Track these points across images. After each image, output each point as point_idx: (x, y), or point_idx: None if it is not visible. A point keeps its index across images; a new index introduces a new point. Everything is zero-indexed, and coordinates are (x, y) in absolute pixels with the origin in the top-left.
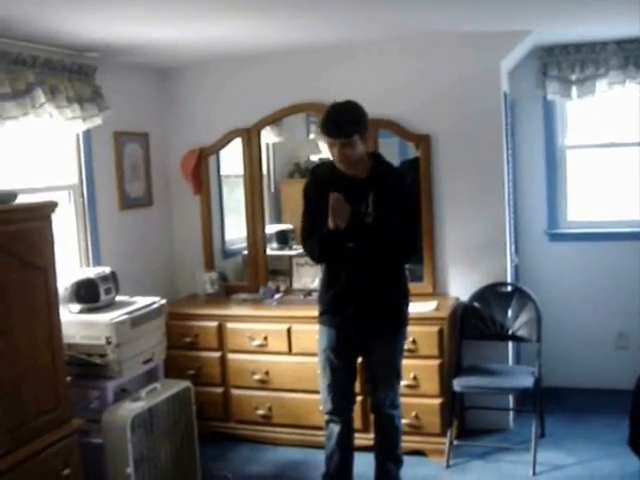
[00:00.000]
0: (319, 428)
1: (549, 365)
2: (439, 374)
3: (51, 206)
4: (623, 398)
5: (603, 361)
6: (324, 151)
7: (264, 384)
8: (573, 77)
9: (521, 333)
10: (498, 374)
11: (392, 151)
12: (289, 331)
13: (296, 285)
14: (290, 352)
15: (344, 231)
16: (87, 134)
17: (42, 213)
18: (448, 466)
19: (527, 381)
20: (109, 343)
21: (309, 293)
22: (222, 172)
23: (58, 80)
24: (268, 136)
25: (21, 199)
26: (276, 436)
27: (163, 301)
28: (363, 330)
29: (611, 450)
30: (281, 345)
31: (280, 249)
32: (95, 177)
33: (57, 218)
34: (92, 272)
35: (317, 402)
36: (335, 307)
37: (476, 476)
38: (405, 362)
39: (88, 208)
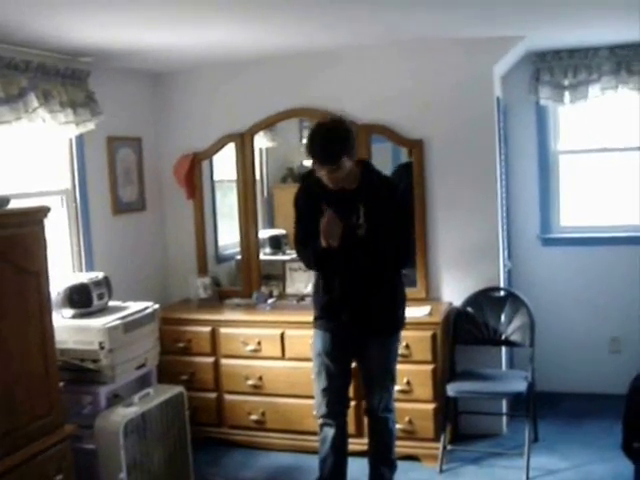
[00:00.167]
0: (312, 433)
1: (542, 370)
2: (432, 379)
3: (44, 211)
4: (616, 403)
5: (596, 366)
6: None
7: (257, 389)
8: (566, 82)
9: (514, 338)
10: (491, 379)
11: (385, 156)
12: (282, 336)
13: (289, 290)
14: (283, 357)
15: (337, 247)
16: (80, 139)
17: (35, 218)
18: (441, 471)
19: (520, 386)
20: (102, 348)
21: (302, 298)
22: (215, 177)
23: (51, 85)
24: (261, 141)
25: (14, 204)
26: (269, 441)
27: (156, 306)
28: (358, 334)
29: (604, 455)
30: (274, 350)
31: (273, 254)
32: (88, 182)
33: (50, 223)
34: (85, 277)
35: (310, 407)
36: (330, 313)
37: None
38: (398, 367)
39: (81, 213)
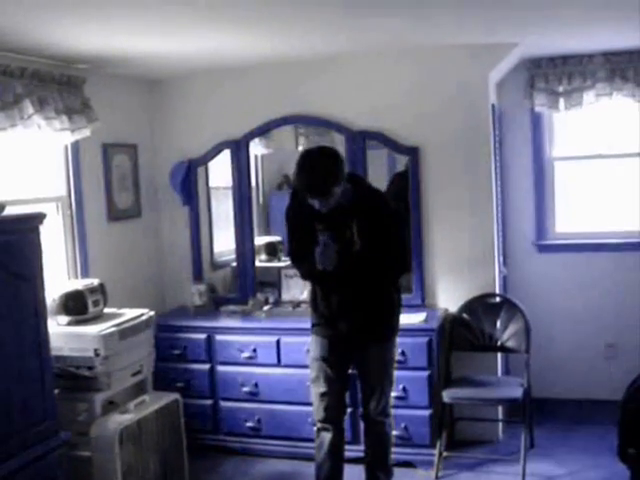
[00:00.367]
0: (309, 440)
1: (538, 376)
2: (428, 385)
3: (39, 217)
4: (612, 409)
5: (592, 372)
6: None
7: (253, 396)
8: (560, 89)
9: (510, 344)
10: (487, 385)
11: (381, 162)
12: (278, 343)
13: (285, 297)
14: (279, 364)
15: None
16: (75, 145)
17: (30, 224)
18: (437, 477)
19: (516, 392)
20: (97, 355)
21: (298, 305)
22: (211, 184)
23: (47, 91)
24: (257, 148)
25: (9, 210)
26: (265, 448)
27: (152, 313)
28: (355, 340)
29: (600, 461)
30: (270, 357)
31: (269, 261)
32: (83, 188)
33: (45, 229)
34: (80, 284)
35: (307, 414)
36: (327, 322)
37: None
38: (395, 373)
39: (76, 219)
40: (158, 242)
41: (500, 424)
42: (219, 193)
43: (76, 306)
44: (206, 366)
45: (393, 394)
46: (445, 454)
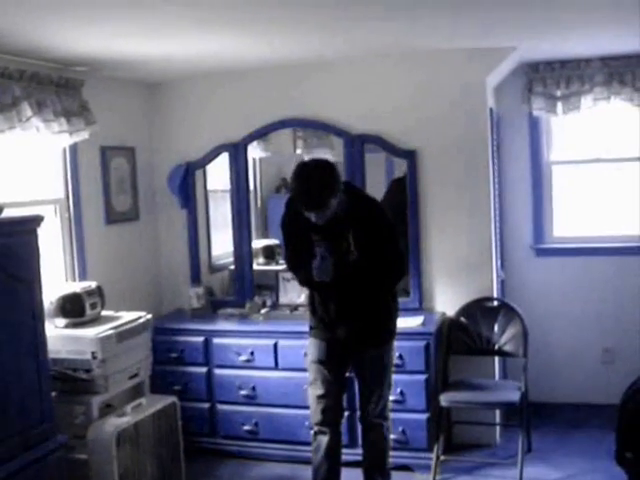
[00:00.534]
0: (306, 444)
1: (535, 380)
2: (426, 389)
3: (37, 220)
4: (609, 413)
5: (589, 376)
6: None
7: (251, 399)
8: (558, 93)
9: (507, 348)
10: (484, 389)
11: (379, 166)
12: (276, 346)
13: (283, 300)
14: (277, 367)
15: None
16: (73, 148)
17: (28, 227)
18: None
19: (513, 396)
20: (95, 358)
21: (296, 308)
22: (209, 187)
23: (45, 94)
24: (255, 151)
25: (7, 213)
26: (263, 452)
27: (149, 316)
28: (353, 344)
29: (597, 464)
30: (268, 360)
31: (266, 264)
32: (81, 191)
33: (43, 232)
34: (78, 286)
35: (304, 417)
36: (325, 327)
37: None
38: (392, 377)
39: (74, 222)
40: (156, 245)
41: (497, 428)
42: (217, 196)
43: (74, 309)
44: (203, 369)
45: (391, 397)
46: (442, 458)
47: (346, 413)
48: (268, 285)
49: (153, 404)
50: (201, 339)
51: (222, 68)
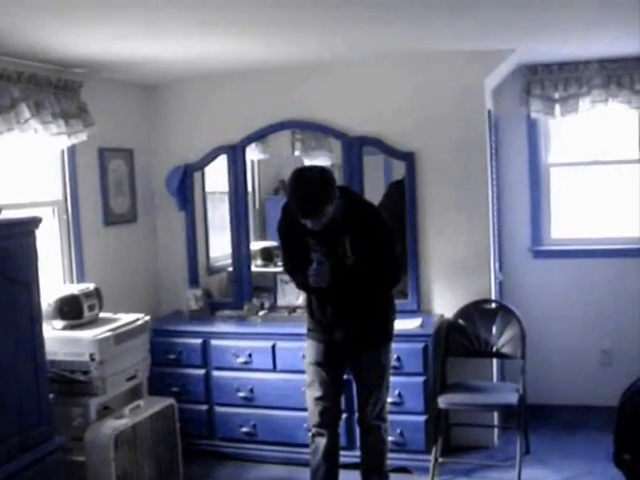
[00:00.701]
0: (304, 446)
1: (533, 382)
2: (424, 391)
3: (35, 222)
4: (607, 415)
5: (587, 378)
6: None
7: (249, 401)
8: (556, 95)
9: (505, 350)
10: (482, 391)
11: (377, 168)
12: (274, 348)
13: (281, 302)
14: (275, 369)
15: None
16: (72, 150)
17: (26, 229)
18: None
19: (511, 398)
20: (93, 360)
21: (294, 310)
22: (207, 189)
23: (43, 96)
24: (253, 153)
25: (5, 214)
26: (261, 454)
27: (147, 318)
28: (351, 346)
29: (596, 466)
30: (266, 362)
31: (265, 266)
32: (79, 193)
33: (41, 234)
34: (76, 288)
35: (302, 419)
36: (323, 329)
37: None
38: (390, 379)
39: (72, 224)
40: (154, 247)
41: (495, 430)
42: (215, 198)
43: (71, 311)
44: (201, 371)
45: (389, 399)
46: (440, 460)
47: (344, 415)
48: (266, 287)
49: (151, 406)
50: (199, 341)
51: (221, 70)
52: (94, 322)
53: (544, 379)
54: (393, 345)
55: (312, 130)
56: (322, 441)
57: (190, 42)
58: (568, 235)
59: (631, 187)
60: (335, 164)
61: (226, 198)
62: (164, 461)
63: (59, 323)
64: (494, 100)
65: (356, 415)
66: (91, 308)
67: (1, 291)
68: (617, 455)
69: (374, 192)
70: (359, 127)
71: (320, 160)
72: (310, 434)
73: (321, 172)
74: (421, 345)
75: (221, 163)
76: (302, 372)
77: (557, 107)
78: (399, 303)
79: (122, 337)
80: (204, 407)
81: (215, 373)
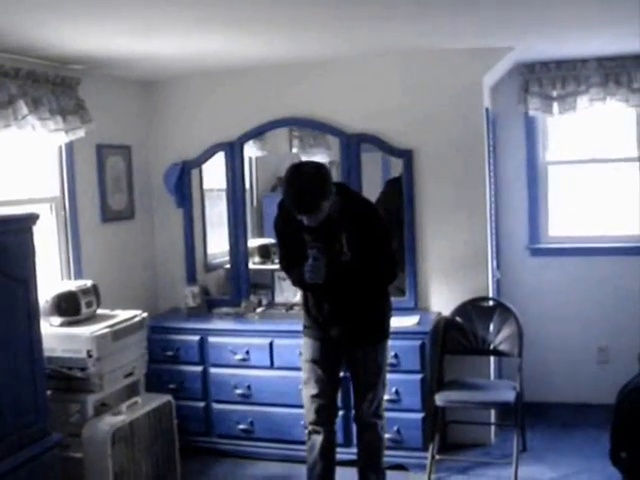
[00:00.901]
0: (301, 443)
1: (530, 380)
2: (421, 389)
3: (33, 218)
4: (604, 412)
5: (584, 376)
6: None
7: (246, 398)
8: (554, 93)
9: (502, 348)
10: (480, 389)
11: (375, 165)
12: (271, 345)
13: (278, 299)
14: (272, 366)
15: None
16: (69, 146)
17: (24, 225)
18: None
19: (509, 396)
20: (90, 356)
21: (291, 307)
22: (205, 186)
23: (41, 92)
24: (251, 150)
25: (2, 211)
26: (258, 451)
27: (144, 314)
28: (347, 344)
29: (592, 464)
30: (263, 359)
31: (262, 263)
32: (77, 190)
33: (39, 230)
34: (73, 285)
35: (299, 416)
36: (319, 326)
37: None
38: (387, 376)
39: (70, 220)
40: (152, 244)
41: (492, 427)
42: (213, 195)
43: (69, 307)
44: (199, 368)
45: (386, 397)
46: (437, 457)
47: (341, 412)
48: (264, 284)
49: (148, 403)
50: (196, 338)
51: (219, 67)
52: (91, 319)
53: (541, 377)
54: (390, 342)
55: (310, 127)
56: (318, 439)
57: (189, 39)
58: (565, 233)
59: (628, 185)
60: (333, 161)
61: (224, 195)
62: (161, 458)
63: (56, 320)
64: (492, 98)
65: (353, 412)
66: (89, 305)
67: None
68: (614, 453)
69: (372, 189)
70: (357, 124)
71: (318, 157)
72: (306, 431)
73: (317, 168)
74: (418, 342)
75: (219, 160)
76: (299, 369)
77: (555, 105)
78: (396, 300)
79: (120, 334)
80: (201, 404)
81: (212, 370)
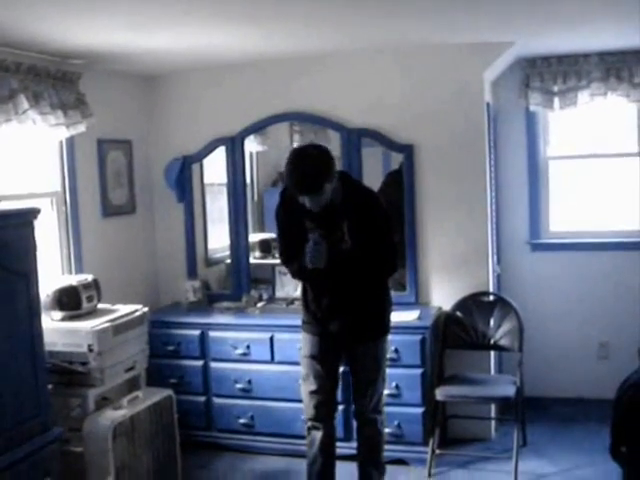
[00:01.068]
0: (301, 437)
1: (531, 375)
2: (421, 383)
3: (34, 213)
4: (604, 407)
5: (584, 371)
6: None
7: (246, 393)
8: (555, 88)
9: (503, 342)
10: (480, 383)
11: (376, 160)
12: (272, 340)
13: (279, 294)
14: (273, 361)
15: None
16: (70, 141)
17: (25, 220)
18: (430, 475)
19: (509, 390)
20: (91, 351)
21: (292, 302)
22: (205, 180)
23: (42, 87)
24: (252, 145)
25: (3, 205)
26: (258, 445)
27: (145, 309)
28: (347, 339)
29: (593, 459)
30: (264, 354)
31: (263, 258)
32: (78, 184)
33: (39, 225)
34: (74, 279)
35: (300, 411)
36: (318, 321)
37: None
38: (388, 371)
39: (71, 215)
40: (152, 238)
41: (493, 422)
42: (214, 190)
43: (70, 302)
44: (199, 362)
45: (386, 392)
46: (438, 452)
47: (341, 406)
48: (264, 279)
49: (149, 397)
50: (197, 332)
51: (220, 61)
52: (92, 313)
53: (541, 372)
54: (390, 337)
55: (311, 122)
56: (318, 434)
57: (190, 34)
58: (566, 228)
59: (629, 180)
60: (334, 156)
61: (224, 190)
62: (162, 452)
63: (57, 314)
64: (493, 93)
65: (352, 407)
66: (89, 299)
67: (0, 282)
68: (614, 447)
69: (373, 184)
70: (358, 119)
71: None
72: (306, 427)
73: (320, 149)
74: (419, 337)
75: (219, 155)
76: (300, 364)
77: (556, 100)
78: (397, 295)
79: (120, 328)
80: (202, 398)
81: (213, 364)
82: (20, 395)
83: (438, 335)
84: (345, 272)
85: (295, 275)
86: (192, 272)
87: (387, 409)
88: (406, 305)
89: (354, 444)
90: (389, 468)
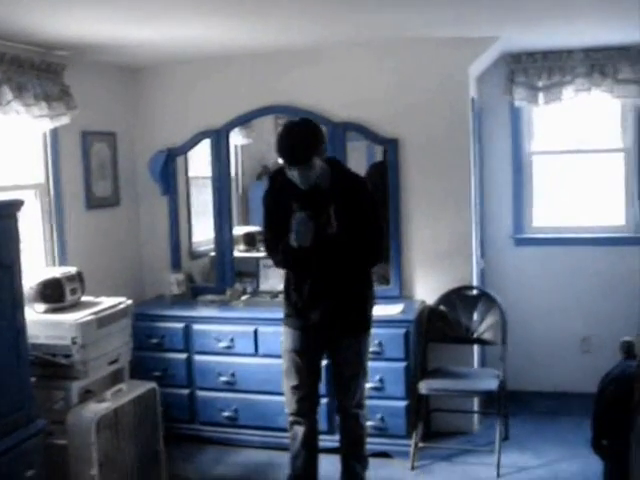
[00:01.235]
0: (285, 430)
1: (514, 368)
2: (405, 376)
3: (17, 204)
4: (586, 401)
5: (567, 365)
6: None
7: (230, 386)
8: (540, 84)
9: (486, 336)
10: (463, 377)
11: (360, 154)
12: (256, 333)
13: (263, 287)
14: (257, 354)
15: (308, 247)
16: (54, 133)
17: (8, 211)
18: (413, 468)
19: (492, 384)
20: (74, 343)
21: (276, 295)
22: (190, 173)
23: (26, 78)
24: (237, 138)
25: None
26: (242, 438)
27: (129, 302)
28: (328, 332)
29: (574, 452)
30: (248, 347)
31: (247, 251)
32: (62, 176)
33: (23, 217)
34: (58, 272)
35: (283, 404)
36: (299, 312)
37: (441, 478)
38: (371, 364)
39: (54, 207)
40: (137, 231)
41: (476, 415)
42: (198, 183)
43: (53, 294)
44: (183, 355)
45: (369, 385)
46: (421, 445)
47: (324, 400)
48: (249, 272)
49: (133, 390)
50: (181, 325)
51: (205, 54)
52: (76, 306)
53: (524, 365)
54: (374, 331)
55: (296, 115)
56: (300, 429)
57: (176, 26)
58: (550, 223)
59: (613, 176)
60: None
61: (209, 183)
62: (146, 445)
63: (41, 306)
64: (478, 88)
65: (335, 401)
66: (73, 292)
67: None
68: (595, 440)
69: None
70: (343, 113)
71: None
72: (288, 421)
73: (310, 123)
74: (402, 331)
75: (204, 148)
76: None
77: (540, 95)
78: (381, 289)
79: (104, 321)
80: (186, 391)
81: (197, 357)
82: (3, 388)
83: (422, 329)
84: (329, 257)
85: (279, 263)
86: (176, 265)
87: (370, 402)
88: (390, 299)
89: (337, 437)
90: (372, 461)
